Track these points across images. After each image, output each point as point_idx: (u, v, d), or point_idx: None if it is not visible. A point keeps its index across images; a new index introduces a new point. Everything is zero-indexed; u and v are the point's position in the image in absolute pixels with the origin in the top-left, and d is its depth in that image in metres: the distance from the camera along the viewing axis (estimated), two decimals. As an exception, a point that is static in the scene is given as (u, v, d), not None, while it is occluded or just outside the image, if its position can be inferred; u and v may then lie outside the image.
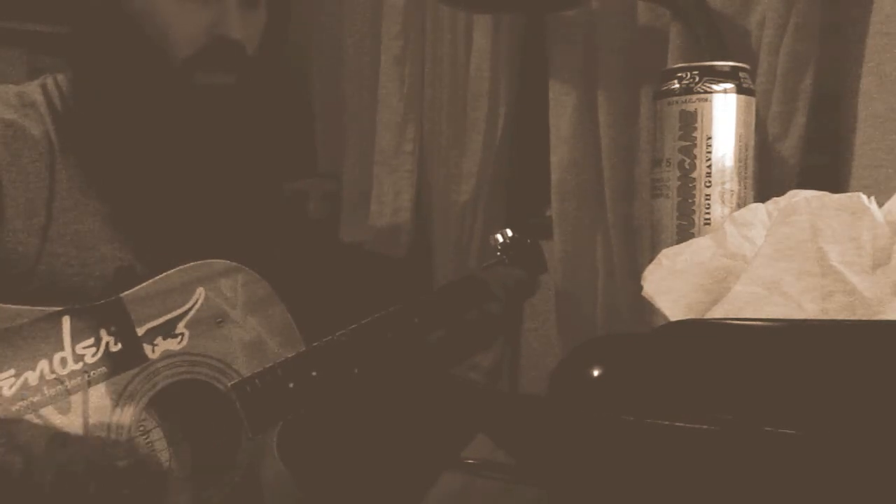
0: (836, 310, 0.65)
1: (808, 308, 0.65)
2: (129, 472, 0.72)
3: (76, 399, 0.79)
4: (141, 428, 0.82)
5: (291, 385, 0.86)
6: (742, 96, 0.88)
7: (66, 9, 0.91)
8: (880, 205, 0.69)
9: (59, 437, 0.74)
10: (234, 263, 0.88)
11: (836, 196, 0.69)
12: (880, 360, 0.54)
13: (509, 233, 1.15)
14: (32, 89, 0.91)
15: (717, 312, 0.69)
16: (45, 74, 0.94)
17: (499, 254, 1.13)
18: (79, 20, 0.89)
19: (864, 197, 0.68)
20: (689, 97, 0.88)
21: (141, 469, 0.73)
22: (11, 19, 1.53)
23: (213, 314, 0.86)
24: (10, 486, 0.69)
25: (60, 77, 0.93)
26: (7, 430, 0.72)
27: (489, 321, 1.04)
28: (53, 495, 0.70)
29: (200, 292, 0.86)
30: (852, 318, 0.64)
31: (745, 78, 0.89)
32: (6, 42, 1.54)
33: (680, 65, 0.91)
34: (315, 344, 0.89)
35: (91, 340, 0.81)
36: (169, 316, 0.84)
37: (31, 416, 0.76)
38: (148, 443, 0.82)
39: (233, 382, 0.84)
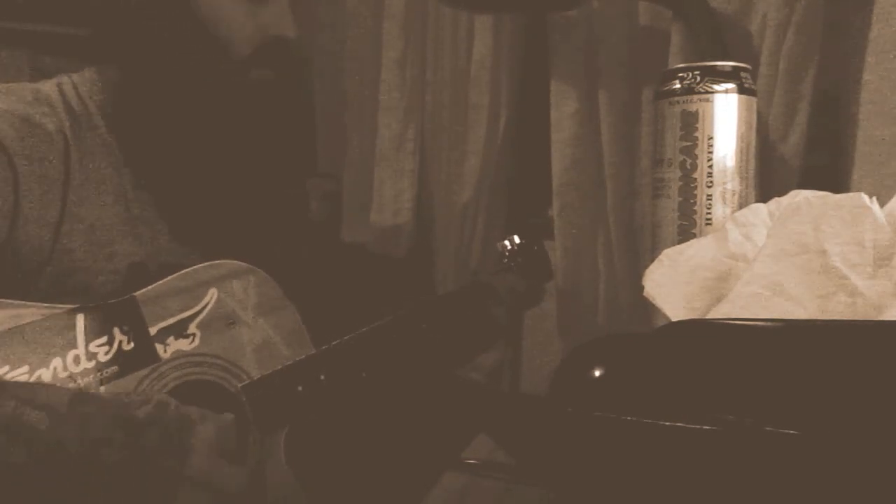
0: (837, 310, 0.65)
1: (810, 308, 0.65)
2: (150, 420, 0.73)
3: None
4: None
5: (300, 388, 0.86)
6: (743, 96, 0.88)
7: (124, 13, 0.91)
8: (882, 205, 0.69)
9: (79, 394, 0.75)
10: (246, 265, 0.88)
11: (838, 196, 0.69)
12: (881, 361, 0.54)
13: (517, 239, 1.13)
14: (49, 87, 0.92)
15: (718, 312, 0.69)
16: (61, 74, 0.95)
17: (506, 261, 1.12)
18: (142, 24, 0.90)
19: (865, 197, 0.68)
20: (690, 97, 0.88)
21: (160, 416, 0.74)
22: (13, 19, 1.53)
23: (225, 315, 0.86)
24: (37, 442, 0.70)
25: (77, 77, 0.94)
26: (29, 390, 0.73)
27: (492, 325, 1.04)
28: (79, 448, 0.71)
29: (213, 293, 0.86)
30: (854, 318, 0.64)
31: (746, 78, 0.89)
32: (7, 42, 1.54)
33: (681, 65, 0.91)
34: (324, 347, 0.89)
35: (104, 339, 0.81)
36: (181, 316, 0.84)
37: None
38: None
39: (242, 384, 0.84)
